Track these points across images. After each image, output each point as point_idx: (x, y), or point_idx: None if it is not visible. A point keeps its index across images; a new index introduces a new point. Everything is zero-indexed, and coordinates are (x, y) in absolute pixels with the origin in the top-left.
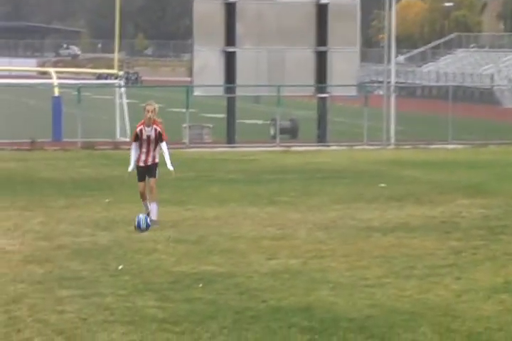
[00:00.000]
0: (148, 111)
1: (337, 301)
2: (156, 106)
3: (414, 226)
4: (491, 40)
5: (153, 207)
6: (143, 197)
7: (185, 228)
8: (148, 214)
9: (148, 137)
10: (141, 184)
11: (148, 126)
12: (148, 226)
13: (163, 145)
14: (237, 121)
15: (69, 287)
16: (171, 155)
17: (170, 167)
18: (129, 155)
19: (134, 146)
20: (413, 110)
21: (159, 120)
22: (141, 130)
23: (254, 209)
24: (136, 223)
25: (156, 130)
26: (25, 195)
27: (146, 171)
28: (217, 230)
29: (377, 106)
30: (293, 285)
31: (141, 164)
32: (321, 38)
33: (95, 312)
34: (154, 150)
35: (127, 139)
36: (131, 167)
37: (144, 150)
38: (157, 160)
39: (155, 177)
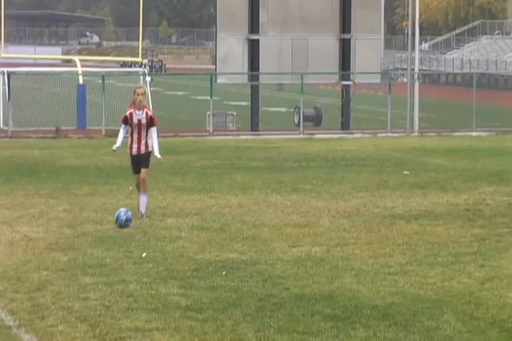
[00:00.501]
0: (138, 94)
1: (360, 289)
2: (146, 89)
3: (437, 214)
4: None
5: (142, 200)
6: (138, 188)
7: (209, 215)
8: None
9: (139, 121)
10: (138, 176)
11: (139, 109)
12: (127, 220)
13: (154, 129)
14: (261, 108)
15: (92, 274)
16: (159, 142)
17: (157, 155)
18: (118, 136)
19: (122, 127)
20: (437, 98)
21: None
22: (131, 113)
23: (277, 197)
24: (116, 216)
25: (147, 114)
26: (50, 182)
27: (139, 161)
28: (241, 218)
29: (401, 93)
30: (316, 272)
31: (134, 153)
32: (345, 25)
33: (119, 300)
34: (146, 136)
35: None
36: (115, 145)
37: (136, 136)
38: (150, 149)
39: (147, 167)
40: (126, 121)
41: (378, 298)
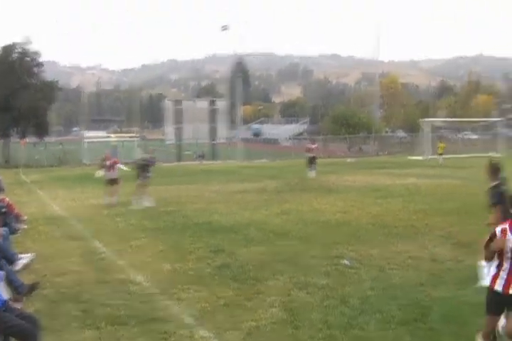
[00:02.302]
0: (106, 156)
1: (221, 220)
2: (117, 160)
3: (249, 190)
4: (278, 121)
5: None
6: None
7: (186, 190)
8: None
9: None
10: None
11: (109, 160)
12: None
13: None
14: (183, 152)
15: (168, 206)
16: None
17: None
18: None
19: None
20: (248, 147)
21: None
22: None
23: (199, 186)
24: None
25: (113, 161)
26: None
27: (112, 182)
28: (186, 193)
29: (235, 145)
30: (203, 214)
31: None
32: (214, 120)
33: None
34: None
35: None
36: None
37: (108, 168)
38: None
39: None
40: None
41: (228, 223)
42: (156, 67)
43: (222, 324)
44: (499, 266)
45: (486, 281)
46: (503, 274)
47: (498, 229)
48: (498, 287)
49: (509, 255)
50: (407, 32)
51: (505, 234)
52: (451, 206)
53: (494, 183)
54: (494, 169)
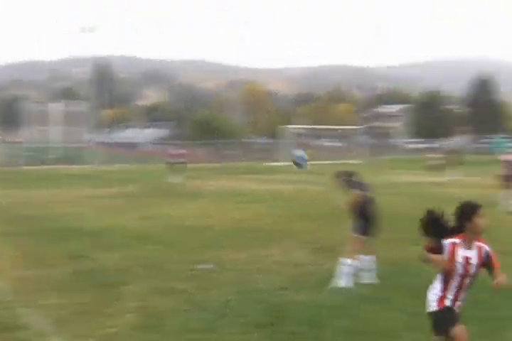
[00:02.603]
0: None
1: (82, 224)
2: None
3: (111, 195)
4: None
5: None
6: None
7: (42, 194)
8: None
9: None
10: None
11: None
12: None
13: None
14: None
15: (28, 210)
16: None
17: None
18: None
19: None
20: (108, 151)
21: None
22: None
23: (56, 190)
24: None
25: None
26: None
27: None
28: (48, 197)
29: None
30: (64, 218)
31: None
32: (73, 123)
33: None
34: None
35: None
36: None
37: None
38: None
39: None
40: None
41: (90, 228)
42: (15, 67)
43: (79, 331)
44: (445, 285)
45: (342, 282)
46: (450, 294)
47: (447, 242)
48: (447, 303)
49: (459, 272)
50: (271, 40)
51: (454, 249)
52: (317, 211)
53: (346, 177)
54: (341, 177)
